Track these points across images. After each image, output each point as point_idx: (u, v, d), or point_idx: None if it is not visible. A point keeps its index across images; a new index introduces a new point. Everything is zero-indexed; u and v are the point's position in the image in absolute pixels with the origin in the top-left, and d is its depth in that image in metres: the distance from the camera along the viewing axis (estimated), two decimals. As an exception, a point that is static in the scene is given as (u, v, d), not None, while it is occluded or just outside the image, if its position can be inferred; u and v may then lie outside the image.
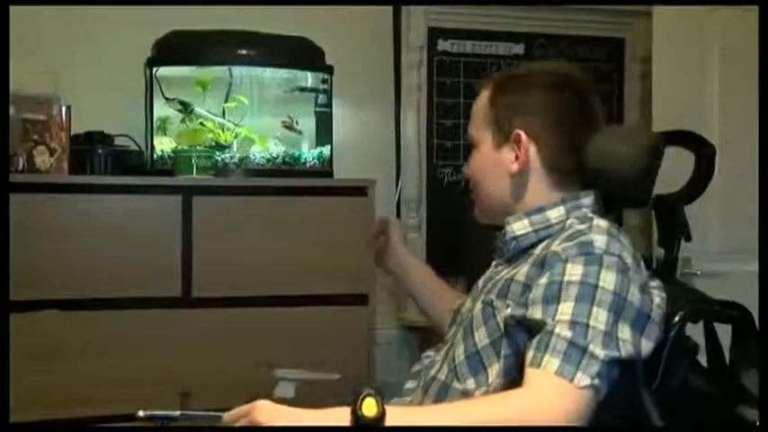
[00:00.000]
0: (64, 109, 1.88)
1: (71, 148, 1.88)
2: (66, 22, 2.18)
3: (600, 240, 1.16)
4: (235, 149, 2.02)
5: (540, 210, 1.27)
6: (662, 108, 2.30)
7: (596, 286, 1.11)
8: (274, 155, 2.01)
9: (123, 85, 2.09)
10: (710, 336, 1.23)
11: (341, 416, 1.01)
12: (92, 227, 1.79)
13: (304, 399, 1.30)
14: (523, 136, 1.28)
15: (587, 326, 1.08)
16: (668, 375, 1.16)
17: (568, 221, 1.24)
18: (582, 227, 1.20)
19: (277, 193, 1.91)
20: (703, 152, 1.33)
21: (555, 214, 1.27)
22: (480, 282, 1.33)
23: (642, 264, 1.20)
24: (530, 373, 1.07)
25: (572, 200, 1.27)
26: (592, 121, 1.29)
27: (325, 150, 2.06)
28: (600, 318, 1.08)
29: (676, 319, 1.17)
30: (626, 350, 1.09)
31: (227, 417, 1.07)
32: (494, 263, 1.35)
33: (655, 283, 1.21)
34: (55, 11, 2.16)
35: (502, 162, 1.30)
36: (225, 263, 1.84)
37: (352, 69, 2.18)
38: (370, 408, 1.00)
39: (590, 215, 1.24)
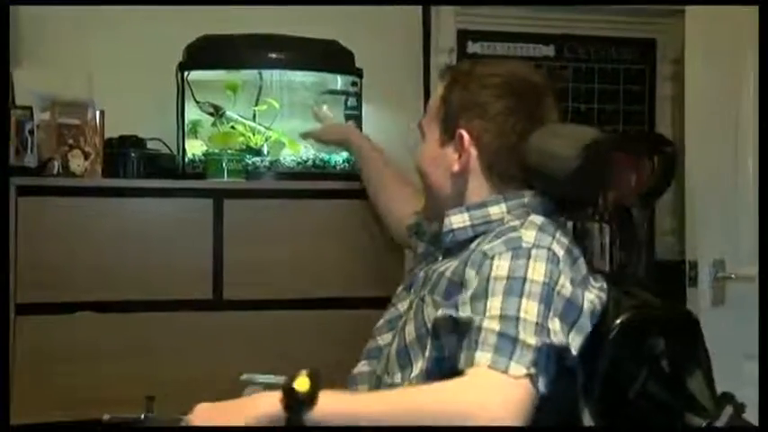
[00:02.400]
0: (98, 113, 1.91)
1: (105, 152, 1.90)
2: (98, 27, 2.21)
3: (529, 235, 1.15)
4: (265, 153, 2.03)
5: (482, 205, 1.26)
6: (694, 109, 2.27)
7: (525, 279, 1.08)
8: (304, 158, 2.02)
9: (155, 90, 2.11)
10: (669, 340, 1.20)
11: (270, 399, 1.02)
12: (124, 229, 1.81)
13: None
14: (466, 137, 1.27)
15: (517, 318, 1.05)
16: (613, 381, 1.14)
17: (506, 218, 1.23)
18: (515, 223, 1.20)
19: (307, 196, 1.92)
20: (663, 152, 1.29)
21: (496, 210, 1.25)
22: (420, 274, 1.32)
23: (581, 261, 1.18)
24: (465, 373, 1.04)
25: (515, 198, 1.26)
26: (540, 125, 1.27)
27: (355, 153, 2.06)
28: (530, 309, 1.05)
29: (617, 322, 1.14)
30: (558, 340, 1.05)
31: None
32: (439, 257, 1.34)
33: (598, 283, 1.19)
34: (86, 16, 2.19)
35: (445, 159, 1.30)
36: (256, 265, 1.85)
37: (381, 72, 2.18)
38: (302, 384, 0.99)
39: (529, 212, 1.23)
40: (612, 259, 1.49)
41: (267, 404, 1.02)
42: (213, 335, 1.83)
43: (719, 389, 1.18)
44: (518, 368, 1.01)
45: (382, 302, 1.96)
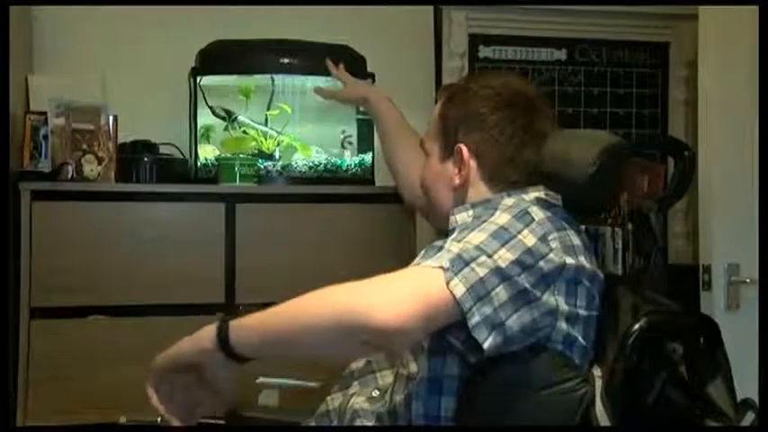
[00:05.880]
0: (111, 118, 1.92)
1: (118, 157, 1.91)
2: (111, 33, 2.22)
3: (509, 201, 1.21)
4: (277, 157, 2.04)
5: (487, 201, 1.28)
6: (707, 112, 2.26)
7: (484, 220, 1.14)
8: (316, 162, 2.03)
9: (167, 95, 2.13)
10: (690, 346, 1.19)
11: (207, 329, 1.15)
12: (137, 234, 1.83)
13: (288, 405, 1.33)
14: (465, 150, 1.29)
15: (461, 240, 1.10)
16: (631, 386, 1.13)
17: None
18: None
19: (319, 200, 1.93)
20: (682, 157, 1.29)
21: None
22: None
23: (576, 241, 1.17)
24: None
25: (519, 193, 1.26)
26: (538, 135, 1.28)
27: (367, 157, 2.07)
28: (475, 237, 1.10)
29: (635, 327, 1.14)
30: (497, 261, 1.07)
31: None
32: None
33: (591, 266, 1.18)
34: (100, 22, 2.20)
35: (446, 174, 1.32)
36: (268, 269, 1.85)
37: (393, 77, 2.18)
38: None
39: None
40: (625, 263, 1.48)
41: (205, 330, 1.15)
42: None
43: (733, 393, 1.17)
44: (432, 262, 1.08)
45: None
